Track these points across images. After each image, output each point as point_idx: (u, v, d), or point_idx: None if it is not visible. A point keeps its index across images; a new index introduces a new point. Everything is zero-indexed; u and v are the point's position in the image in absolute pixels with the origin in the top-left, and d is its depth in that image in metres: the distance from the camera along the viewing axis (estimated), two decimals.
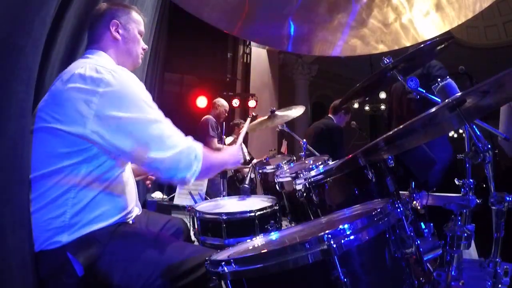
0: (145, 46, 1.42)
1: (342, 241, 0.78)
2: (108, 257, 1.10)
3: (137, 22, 1.38)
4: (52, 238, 1.07)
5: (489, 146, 1.00)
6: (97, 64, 1.14)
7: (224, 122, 4.03)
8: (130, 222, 1.29)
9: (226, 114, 4.48)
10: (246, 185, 2.10)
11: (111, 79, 1.09)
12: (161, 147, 1.11)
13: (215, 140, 3.98)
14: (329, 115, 3.90)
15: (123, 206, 1.22)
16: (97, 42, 1.30)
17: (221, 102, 4.38)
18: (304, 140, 3.01)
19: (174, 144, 1.14)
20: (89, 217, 1.12)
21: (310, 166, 1.96)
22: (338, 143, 3.64)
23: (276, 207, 1.75)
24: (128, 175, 1.29)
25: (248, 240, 1.18)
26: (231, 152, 1.47)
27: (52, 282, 1.07)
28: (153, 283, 1.08)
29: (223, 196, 2.34)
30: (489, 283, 1.07)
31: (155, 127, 1.12)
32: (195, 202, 2.18)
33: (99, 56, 1.26)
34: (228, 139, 4.58)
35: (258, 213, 1.64)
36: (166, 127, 1.15)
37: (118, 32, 1.31)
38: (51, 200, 1.08)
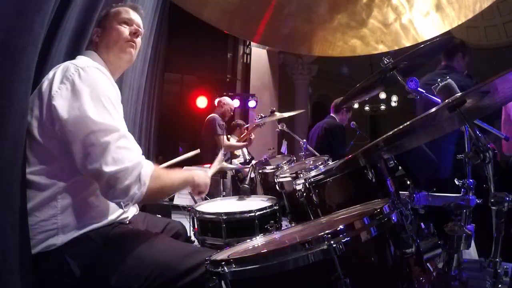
0: (135, 28, 1.32)
1: (342, 241, 0.78)
2: (105, 258, 1.10)
3: (114, 14, 1.33)
4: (47, 240, 1.06)
5: (489, 146, 1.00)
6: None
7: (224, 122, 4.02)
8: (127, 222, 1.29)
9: (232, 113, 4.45)
10: (246, 185, 2.10)
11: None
12: None
13: (223, 137, 3.98)
14: (331, 114, 3.91)
15: (117, 206, 1.20)
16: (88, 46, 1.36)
17: (227, 100, 4.36)
18: (304, 140, 3.01)
19: None
20: (81, 218, 1.11)
21: (310, 166, 1.96)
22: (340, 141, 3.67)
23: (276, 207, 1.74)
24: None
25: (248, 240, 1.18)
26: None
27: (49, 283, 1.07)
28: (151, 284, 1.07)
29: (223, 196, 2.34)
30: (489, 283, 1.07)
31: None
32: (195, 202, 2.18)
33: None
34: (232, 140, 4.57)
35: (258, 213, 1.64)
36: None
37: (97, 36, 1.33)
38: (40, 202, 1.06)
